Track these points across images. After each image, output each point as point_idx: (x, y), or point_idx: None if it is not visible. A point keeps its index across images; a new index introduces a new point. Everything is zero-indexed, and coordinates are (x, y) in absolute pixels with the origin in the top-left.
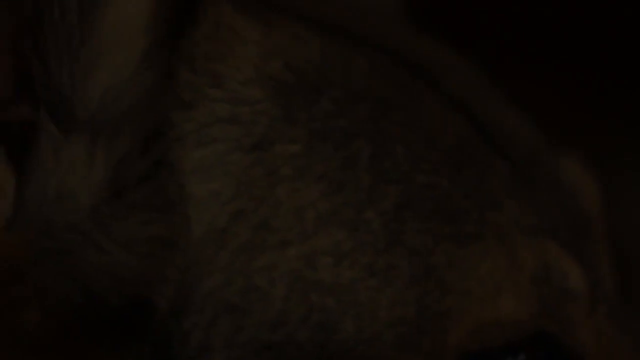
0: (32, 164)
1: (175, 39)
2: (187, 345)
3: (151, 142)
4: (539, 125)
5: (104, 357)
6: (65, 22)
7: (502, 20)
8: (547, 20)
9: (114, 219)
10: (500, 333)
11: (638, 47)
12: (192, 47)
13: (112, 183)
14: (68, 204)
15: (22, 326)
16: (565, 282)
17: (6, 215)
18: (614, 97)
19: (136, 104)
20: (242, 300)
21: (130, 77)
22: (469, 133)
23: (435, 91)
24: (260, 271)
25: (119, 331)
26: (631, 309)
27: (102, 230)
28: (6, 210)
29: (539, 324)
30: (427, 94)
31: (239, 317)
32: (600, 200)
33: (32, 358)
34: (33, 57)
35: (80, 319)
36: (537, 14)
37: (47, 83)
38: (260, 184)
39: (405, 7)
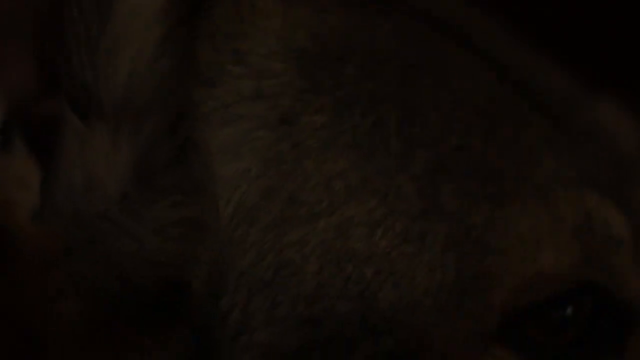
0: (57, 155)
1: (193, 20)
2: (227, 325)
3: (176, 125)
4: (573, 72)
5: (144, 343)
6: (82, 15)
7: None
8: None
9: (143, 205)
10: (543, 288)
11: None
12: (211, 26)
13: (139, 169)
14: (96, 193)
15: (60, 316)
16: (608, 230)
17: (32, 208)
18: None
19: (158, 88)
20: (276, 276)
21: (150, 63)
22: (504, 91)
23: (468, 50)
24: (292, 246)
25: (158, 316)
26: None
27: (133, 217)
28: (32, 203)
29: (584, 275)
30: (458, 53)
31: (275, 293)
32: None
33: (73, 347)
34: (55, 53)
35: (119, 306)
36: None
37: (70, 76)
38: (287, 158)
39: None
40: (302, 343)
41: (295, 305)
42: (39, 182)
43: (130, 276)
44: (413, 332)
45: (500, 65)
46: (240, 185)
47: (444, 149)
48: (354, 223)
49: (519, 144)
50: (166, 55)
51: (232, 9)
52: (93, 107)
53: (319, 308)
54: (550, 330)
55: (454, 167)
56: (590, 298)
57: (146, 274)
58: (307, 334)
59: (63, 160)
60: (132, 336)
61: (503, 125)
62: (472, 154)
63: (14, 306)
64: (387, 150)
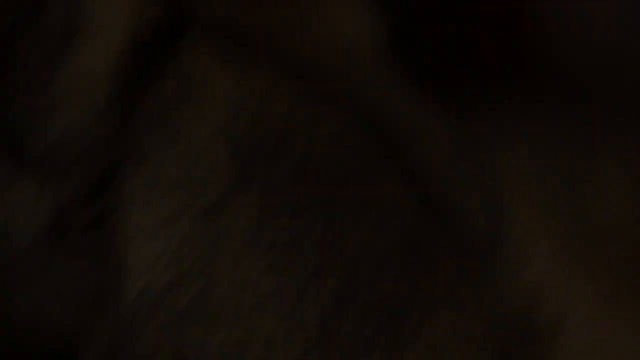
0: None
1: (139, 91)
2: None
3: (100, 193)
4: (510, 209)
5: None
6: (32, 65)
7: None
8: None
9: (51, 264)
10: None
11: None
12: (156, 100)
13: (54, 227)
14: (9, 242)
15: None
16: None
17: None
18: None
19: (91, 150)
20: None
21: (89, 123)
22: (424, 214)
23: (398, 161)
24: (189, 345)
25: None
26: None
27: (38, 274)
28: None
29: None
30: (390, 165)
31: None
32: (562, 312)
33: None
34: None
35: None
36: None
37: (9, 119)
38: (204, 253)
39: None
40: None
41: None
42: None
43: (23, 336)
44: None
45: (430, 183)
46: (150, 271)
47: (356, 280)
48: (252, 338)
49: (425, 286)
50: (104, 122)
51: (181, 87)
52: (23, 155)
53: None
54: None
55: (361, 301)
56: None
57: (38, 337)
58: None
59: None
60: None
61: (415, 261)
62: (381, 290)
63: None
64: (304, 266)
